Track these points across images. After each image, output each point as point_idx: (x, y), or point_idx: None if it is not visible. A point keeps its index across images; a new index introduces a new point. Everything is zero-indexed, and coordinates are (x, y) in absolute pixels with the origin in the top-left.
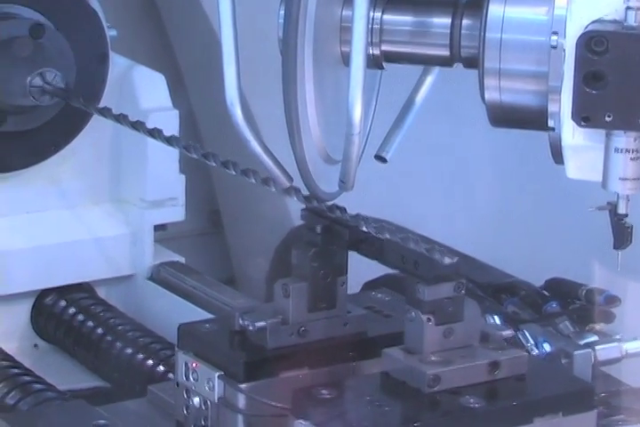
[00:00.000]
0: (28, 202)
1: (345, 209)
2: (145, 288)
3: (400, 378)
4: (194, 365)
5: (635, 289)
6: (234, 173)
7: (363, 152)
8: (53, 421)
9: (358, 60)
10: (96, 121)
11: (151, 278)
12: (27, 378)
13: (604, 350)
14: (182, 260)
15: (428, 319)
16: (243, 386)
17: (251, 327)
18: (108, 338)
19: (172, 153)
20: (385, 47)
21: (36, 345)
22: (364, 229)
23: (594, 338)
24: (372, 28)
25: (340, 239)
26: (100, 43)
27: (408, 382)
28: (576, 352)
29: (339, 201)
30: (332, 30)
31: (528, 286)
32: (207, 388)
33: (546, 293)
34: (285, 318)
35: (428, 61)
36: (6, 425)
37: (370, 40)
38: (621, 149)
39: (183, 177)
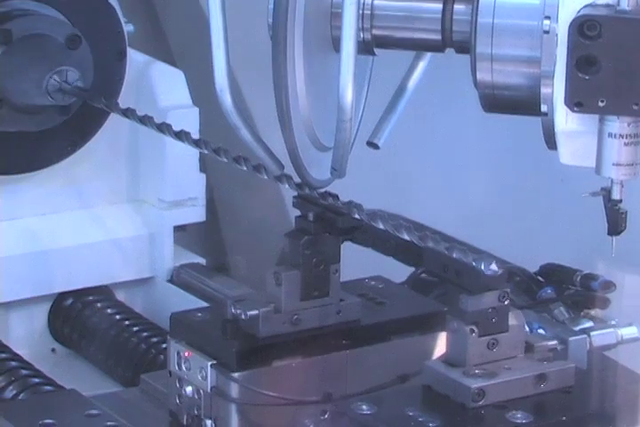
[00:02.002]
0: (45, 203)
1: (337, 196)
2: (165, 291)
3: (443, 392)
4: (186, 354)
5: (630, 274)
6: (225, 160)
7: (355, 139)
8: (46, 410)
9: (349, 46)
10: (113, 120)
11: (171, 281)
12: (24, 372)
13: (600, 336)
14: (203, 261)
15: (472, 330)
16: (235, 375)
17: (243, 316)
18: (127, 342)
19: (192, 151)
20: (376, 32)
21: (53, 350)
22: (357, 216)
23: (589, 324)
24: (362, 13)
25: (333, 227)
26: (117, 39)
27: (451, 397)
28: (571, 338)
29: (331, 188)
30: (323, 16)
31: (523, 272)
32: (200, 377)
33: (540, 278)
34: (278, 306)
35: (419, 47)
36: None
37: (361, 25)
38: (615, 135)
39: (203, 176)
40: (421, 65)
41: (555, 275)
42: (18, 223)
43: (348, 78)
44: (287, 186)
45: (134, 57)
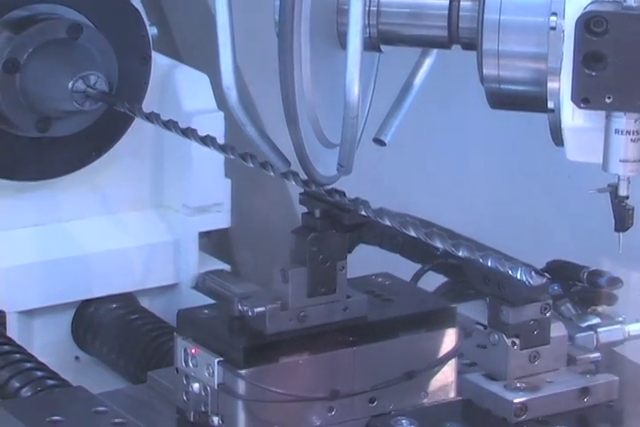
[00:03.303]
0: (69, 209)
1: (344, 193)
2: (189, 298)
3: (483, 406)
4: (193, 351)
5: (636, 271)
6: (232, 157)
7: (361, 135)
8: (53, 407)
9: (355, 43)
10: (137, 124)
11: (196, 287)
12: (28, 364)
13: (607, 333)
14: (228, 268)
15: (513, 343)
16: (242, 372)
17: (250, 313)
18: (152, 350)
19: (217, 156)
20: (382, 29)
21: (77, 358)
22: (364, 213)
23: (596, 320)
24: (369, 9)
25: (339, 224)
26: (142, 43)
27: (492, 411)
28: (578, 335)
29: (337, 185)
30: (329, 12)
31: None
32: (207, 374)
33: (547, 275)
34: (285, 303)
35: (426, 43)
36: (6, 413)
37: (367, 22)
38: (622, 131)
39: (229, 181)
40: (428, 61)
41: (561, 271)
42: (42, 230)
43: (355, 75)
44: (294, 183)
45: (158, 61)
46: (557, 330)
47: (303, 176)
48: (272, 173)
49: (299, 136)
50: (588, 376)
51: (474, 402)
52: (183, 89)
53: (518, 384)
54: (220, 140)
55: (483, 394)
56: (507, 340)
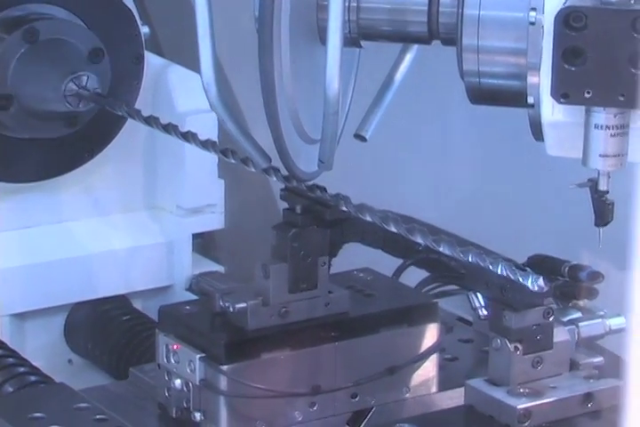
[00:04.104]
0: (62, 211)
1: (325, 189)
2: (183, 299)
3: (486, 412)
4: (175, 347)
5: (617, 265)
6: (213, 152)
7: (342, 131)
8: (35, 404)
9: (335, 39)
10: (130, 125)
11: (190, 289)
12: (10, 360)
13: (588, 327)
14: (222, 269)
15: (516, 348)
16: (224, 368)
17: (231, 309)
18: (146, 352)
19: (210, 157)
20: (362, 25)
21: (70, 361)
22: (345, 208)
23: (577, 314)
24: (348, 5)
25: (321, 219)
26: (134, 43)
27: (496, 417)
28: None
29: (318, 181)
30: (309, 8)
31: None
32: (188, 370)
33: (528, 269)
34: (266, 299)
35: (406, 39)
36: None
37: (347, 18)
38: (601, 126)
39: (222, 182)
40: (408, 57)
41: (542, 266)
42: (33, 232)
43: (335, 71)
44: (274, 179)
45: (151, 60)
46: (560, 335)
47: (284, 172)
48: (253, 169)
49: (279, 132)
50: (591, 381)
51: (476, 408)
52: (176, 89)
53: (522, 390)
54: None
55: (485, 400)
56: (509, 345)
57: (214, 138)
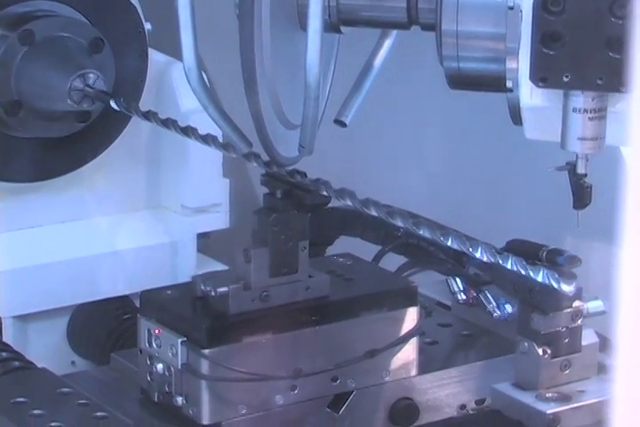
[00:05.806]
0: (65, 211)
1: (305, 174)
2: None
3: (514, 417)
4: (156, 331)
5: (595, 249)
6: (193, 138)
7: (322, 116)
8: (18, 389)
9: (315, 25)
10: (134, 124)
11: None
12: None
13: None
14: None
15: (544, 352)
16: (206, 352)
17: (213, 293)
18: (119, 333)
19: (215, 156)
20: (342, 10)
21: (73, 362)
22: (325, 193)
23: None
24: None
25: (301, 204)
26: (138, 39)
27: (524, 422)
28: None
29: (299, 166)
30: None
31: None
32: (170, 354)
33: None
34: (247, 283)
35: (385, 25)
36: None
37: (327, 3)
38: (579, 109)
39: (227, 181)
40: (387, 43)
41: (521, 250)
42: (37, 232)
43: (315, 56)
44: (255, 164)
45: (155, 57)
46: (588, 337)
47: (265, 157)
48: (234, 155)
49: (260, 117)
50: None
51: (504, 413)
52: (180, 86)
53: (549, 394)
54: (220, 139)
55: (513, 405)
56: (537, 348)
57: (218, 135)
